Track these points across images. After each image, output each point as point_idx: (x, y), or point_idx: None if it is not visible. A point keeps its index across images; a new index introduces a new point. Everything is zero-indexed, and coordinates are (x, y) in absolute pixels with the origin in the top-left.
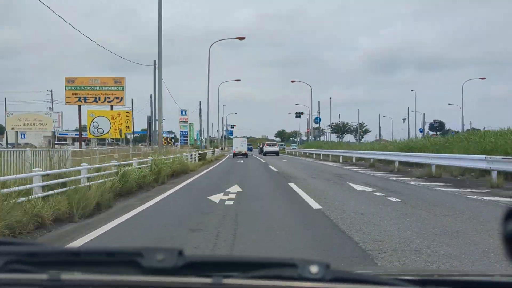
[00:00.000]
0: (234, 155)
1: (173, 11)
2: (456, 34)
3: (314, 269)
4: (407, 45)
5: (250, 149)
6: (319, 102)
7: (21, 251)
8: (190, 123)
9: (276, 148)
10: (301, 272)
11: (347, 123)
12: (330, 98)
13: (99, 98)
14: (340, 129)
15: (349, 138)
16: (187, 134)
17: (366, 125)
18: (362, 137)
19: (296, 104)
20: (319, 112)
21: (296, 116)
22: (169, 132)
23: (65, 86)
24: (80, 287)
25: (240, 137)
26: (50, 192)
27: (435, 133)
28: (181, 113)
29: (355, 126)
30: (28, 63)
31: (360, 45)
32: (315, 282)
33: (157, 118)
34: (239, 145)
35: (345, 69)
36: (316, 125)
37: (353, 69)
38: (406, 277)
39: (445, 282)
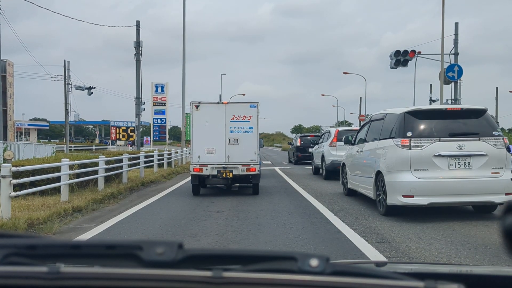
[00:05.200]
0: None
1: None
2: None
3: (314, 262)
4: (426, 40)
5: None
6: (361, 98)
7: (21, 244)
8: (187, 113)
9: None
10: (301, 266)
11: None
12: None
13: None
14: None
15: None
16: (165, 124)
17: None
18: None
19: (322, 95)
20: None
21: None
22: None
23: None
24: (80, 280)
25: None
26: None
27: None
28: (156, 90)
29: None
30: None
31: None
32: (315, 275)
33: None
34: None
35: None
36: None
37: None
38: (406, 271)
39: (444, 275)
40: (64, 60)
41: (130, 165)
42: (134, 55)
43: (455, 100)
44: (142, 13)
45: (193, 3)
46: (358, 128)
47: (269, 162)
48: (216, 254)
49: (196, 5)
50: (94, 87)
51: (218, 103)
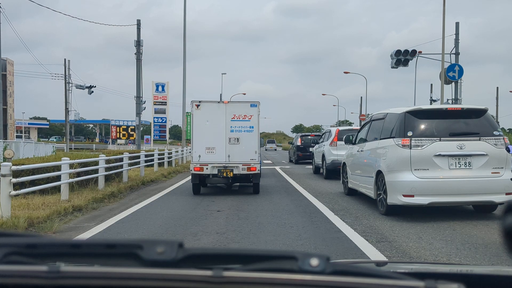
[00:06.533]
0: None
1: (195, 7)
2: None
3: (314, 262)
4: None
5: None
6: (361, 97)
7: (21, 243)
8: (187, 113)
9: None
10: (301, 265)
11: None
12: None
13: None
14: None
15: None
16: (165, 123)
17: None
18: None
19: (323, 94)
20: None
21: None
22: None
23: None
24: (80, 279)
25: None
26: None
27: None
28: (156, 89)
29: None
30: None
31: None
32: (315, 275)
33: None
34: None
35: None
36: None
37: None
38: (406, 270)
39: (445, 275)
40: (65, 59)
41: (130, 164)
42: (135, 54)
43: (456, 100)
44: (146, 12)
45: (199, 2)
46: (358, 127)
47: (269, 162)
48: (217, 254)
49: (201, 4)
50: (95, 86)
51: (218, 102)
